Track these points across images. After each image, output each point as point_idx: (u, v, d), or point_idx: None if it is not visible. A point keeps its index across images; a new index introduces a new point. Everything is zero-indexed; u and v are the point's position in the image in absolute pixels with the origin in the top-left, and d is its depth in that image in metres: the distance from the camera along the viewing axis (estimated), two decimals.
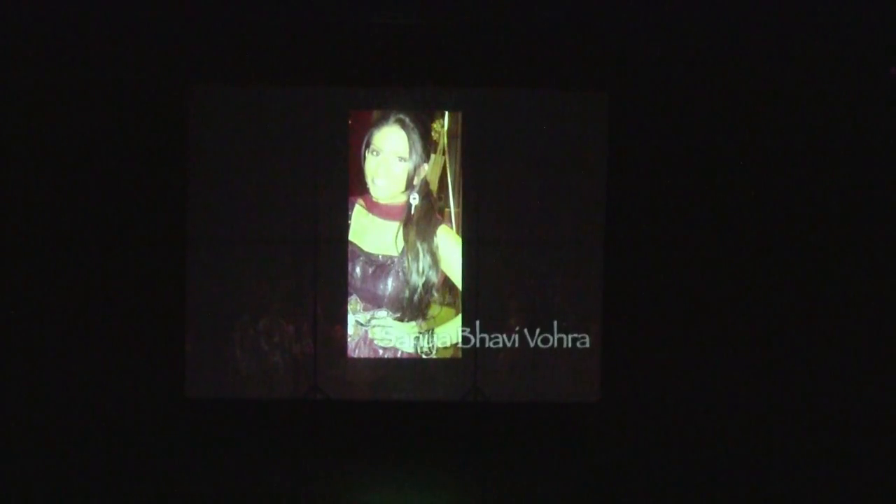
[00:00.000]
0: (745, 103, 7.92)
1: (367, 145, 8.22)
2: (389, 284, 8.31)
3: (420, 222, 8.28)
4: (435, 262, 8.30)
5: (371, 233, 8.31)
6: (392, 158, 8.22)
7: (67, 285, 7.81)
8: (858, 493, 6.87)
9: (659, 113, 7.96)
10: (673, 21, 7.74)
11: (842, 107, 7.86)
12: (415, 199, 8.23)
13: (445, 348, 8.29)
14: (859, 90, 7.82)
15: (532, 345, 8.27)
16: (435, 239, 8.30)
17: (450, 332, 8.28)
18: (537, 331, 8.25)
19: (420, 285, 8.28)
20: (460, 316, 8.28)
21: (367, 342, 8.32)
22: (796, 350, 7.87)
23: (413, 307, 8.31)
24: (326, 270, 8.30)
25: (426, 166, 8.23)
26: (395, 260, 8.31)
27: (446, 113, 8.23)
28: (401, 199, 8.26)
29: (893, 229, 7.86)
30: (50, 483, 6.84)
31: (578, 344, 8.21)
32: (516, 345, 8.26)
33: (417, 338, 8.27)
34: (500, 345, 8.25)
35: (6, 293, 7.78)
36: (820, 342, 7.86)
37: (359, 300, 8.32)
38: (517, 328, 8.29)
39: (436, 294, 8.31)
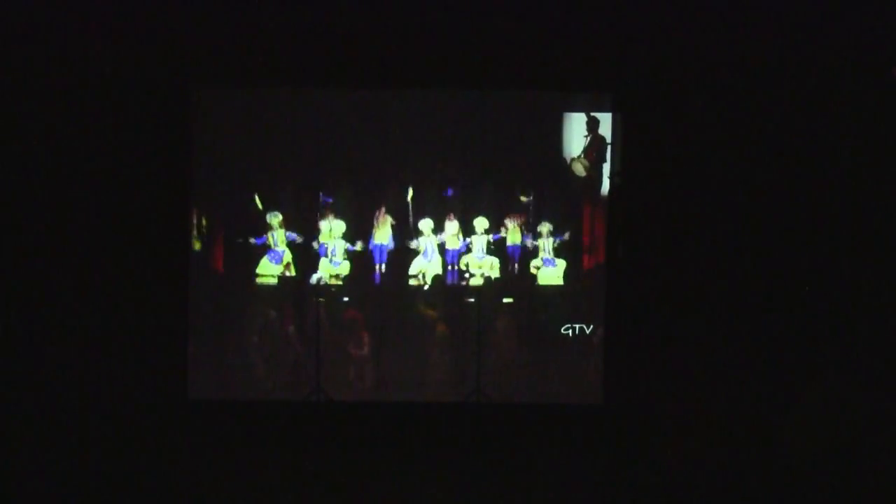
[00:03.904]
0: (748, 104, 7.89)
1: None
2: None
3: None
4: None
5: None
6: None
7: (70, 286, 7.82)
8: (859, 493, 6.85)
9: (663, 113, 7.95)
10: (678, 22, 7.73)
11: (844, 107, 7.84)
12: None
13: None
14: (860, 90, 7.80)
15: (534, 346, 8.30)
16: None
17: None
18: (539, 332, 8.28)
19: None
20: None
21: (370, 342, 8.34)
22: (801, 350, 7.84)
23: None
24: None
25: None
26: None
27: None
28: None
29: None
30: (52, 484, 6.85)
31: (581, 345, 8.23)
32: (519, 346, 8.28)
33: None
34: (503, 346, 8.26)
35: (9, 294, 7.80)
36: (825, 343, 7.83)
37: None
38: (520, 330, 8.32)
39: None
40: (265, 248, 8.27)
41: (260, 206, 8.21)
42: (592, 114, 8.31)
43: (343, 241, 8.29)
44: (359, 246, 8.28)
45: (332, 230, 8.29)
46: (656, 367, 7.91)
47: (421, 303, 8.37)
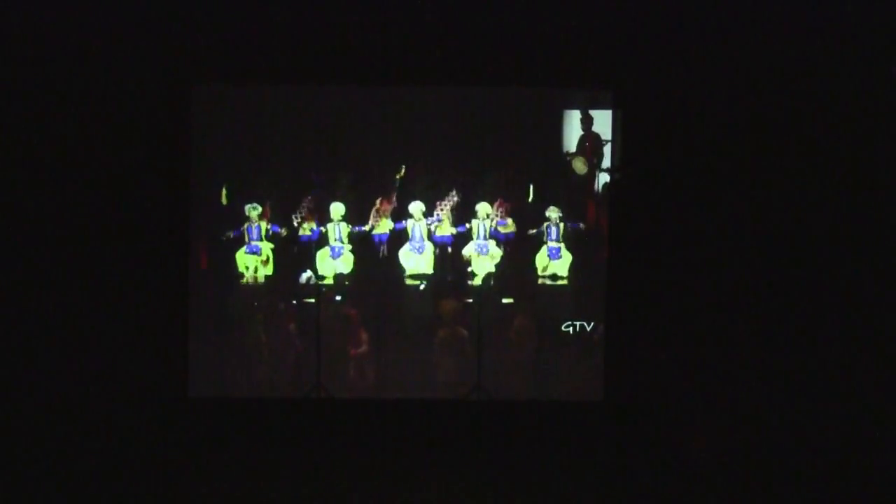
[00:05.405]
0: (748, 102, 7.92)
1: None
2: None
3: None
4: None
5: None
6: None
7: (70, 285, 7.76)
8: (859, 493, 6.91)
9: (664, 109, 7.96)
10: (678, 19, 7.76)
11: (843, 106, 7.88)
12: None
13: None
14: (861, 89, 7.85)
15: (535, 343, 8.32)
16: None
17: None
18: (540, 329, 8.30)
19: None
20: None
21: (370, 339, 8.34)
22: (802, 347, 7.88)
23: None
24: None
25: None
26: None
27: None
28: None
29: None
30: (52, 483, 6.83)
31: (582, 342, 8.25)
32: (519, 343, 8.30)
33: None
34: (504, 342, 8.28)
35: (10, 293, 7.74)
36: (825, 340, 7.88)
37: None
38: (520, 326, 8.34)
39: None
40: (241, 242, 8.28)
41: (225, 199, 8.18)
42: (588, 111, 8.36)
43: (346, 224, 8.26)
44: (367, 227, 8.28)
45: (330, 214, 8.26)
46: (657, 365, 7.94)
47: (421, 298, 8.37)
